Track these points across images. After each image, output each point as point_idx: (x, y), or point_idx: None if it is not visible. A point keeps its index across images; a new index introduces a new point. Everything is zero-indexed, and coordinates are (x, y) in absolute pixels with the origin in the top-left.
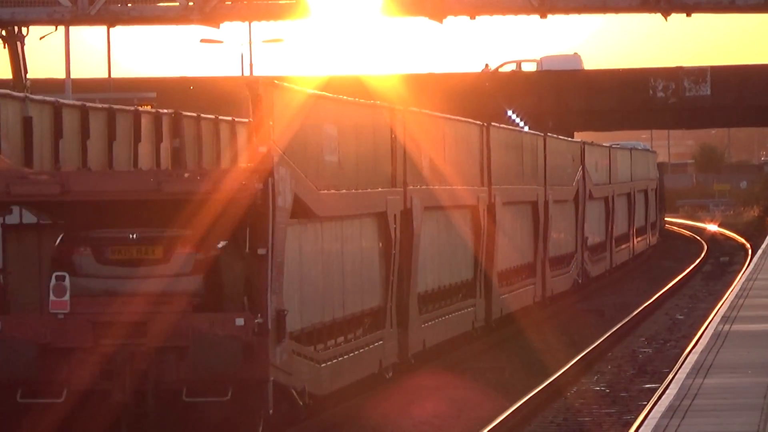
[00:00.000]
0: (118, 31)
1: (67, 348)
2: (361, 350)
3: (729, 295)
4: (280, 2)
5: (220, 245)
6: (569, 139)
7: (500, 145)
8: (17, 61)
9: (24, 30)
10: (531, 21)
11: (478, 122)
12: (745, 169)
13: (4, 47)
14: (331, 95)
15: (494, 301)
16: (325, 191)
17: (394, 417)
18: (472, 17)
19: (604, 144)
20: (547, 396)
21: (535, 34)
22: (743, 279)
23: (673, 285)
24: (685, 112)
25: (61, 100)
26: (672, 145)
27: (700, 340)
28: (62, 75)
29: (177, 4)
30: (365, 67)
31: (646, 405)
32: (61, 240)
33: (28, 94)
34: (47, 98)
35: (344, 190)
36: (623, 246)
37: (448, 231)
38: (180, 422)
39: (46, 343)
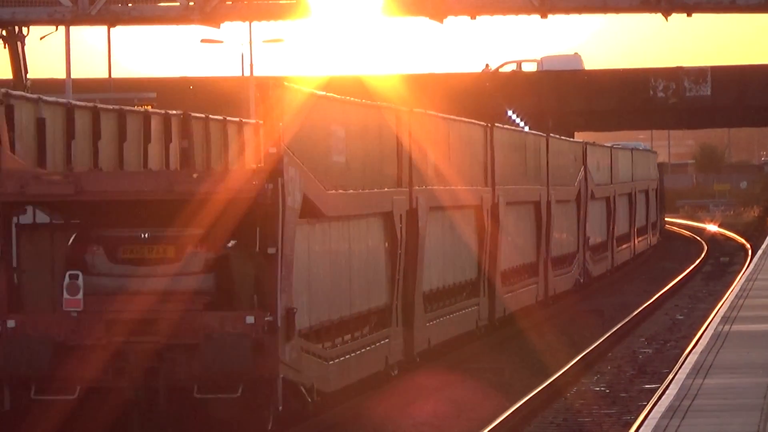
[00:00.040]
0: (118, 31)
1: (80, 345)
2: (367, 348)
3: (729, 296)
4: (281, 2)
5: (230, 244)
6: (571, 139)
7: (504, 146)
8: (17, 61)
9: (24, 30)
10: (531, 21)
11: (482, 123)
12: (745, 170)
13: (5, 47)
14: (338, 96)
15: (498, 300)
16: (333, 191)
17: (395, 417)
18: (473, 17)
19: (605, 144)
20: (547, 396)
21: (536, 34)
22: (743, 279)
23: (673, 285)
24: (685, 112)
25: (74, 102)
26: (672, 145)
27: (701, 341)
28: (62, 75)
29: (177, 4)
30: (365, 67)
31: (646, 405)
32: (74, 239)
33: (41, 96)
34: (60, 100)
35: (351, 190)
36: (624, 246)
37: (453, 231)
38: (191, 418)
39: (60, 341)
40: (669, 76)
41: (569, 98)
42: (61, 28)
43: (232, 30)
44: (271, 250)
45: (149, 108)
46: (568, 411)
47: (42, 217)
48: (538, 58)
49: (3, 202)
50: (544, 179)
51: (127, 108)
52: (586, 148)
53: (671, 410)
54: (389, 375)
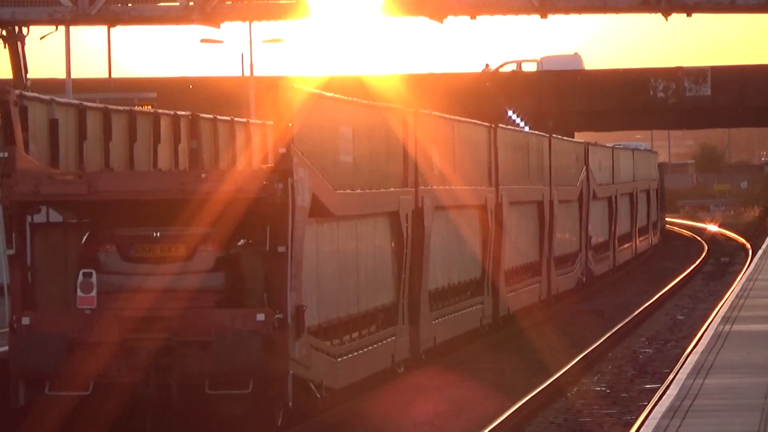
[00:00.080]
0: (118, 31)
1: (93, 342)
2: (374, 345)
3: (729, 296)
4: (280, 2)
5: (240, 243)
6: (573, 139)
7: (507, 146)
8: (17, 61)
9: (24, 30)
10: (531, 21)
11: (485, 124)
12: (746, 170)
13: (5, 47)
14: (345, 98)
15: (501, 299)
16: (341, 191)
17: (395, 417)
18: (473, 17)
19: (606, 144)
20: (547, 396)
21: (536, 34)
22: (744, 279)
23: (673, 285)
24: (685, 113)
25: (85, 103)
26: (672, 146)
27: (701, 341)
28: (62, 75)
29: (177, 4)
30: (365, 67)
31: (646, 405)
32: (87, 238)
33: (54, 97)
34: (72, 101)
35: (359, 190)
36: (626, 245)
37: (457, 230)
38: (202, 414)
39: (74, 338)
40: (669, 76)
41: (569, 98)
42: (61, 28)
43: (232, 30)
44: (281, 249)
45: (149, 108)
46: (569, 411)
47: (55, 217)
48: (538, 58)
49: (18, 202)
50: (547, 179)
51: (137, 109)
52: (588, 149)
53: (672, 410)
54: (395, 372)
